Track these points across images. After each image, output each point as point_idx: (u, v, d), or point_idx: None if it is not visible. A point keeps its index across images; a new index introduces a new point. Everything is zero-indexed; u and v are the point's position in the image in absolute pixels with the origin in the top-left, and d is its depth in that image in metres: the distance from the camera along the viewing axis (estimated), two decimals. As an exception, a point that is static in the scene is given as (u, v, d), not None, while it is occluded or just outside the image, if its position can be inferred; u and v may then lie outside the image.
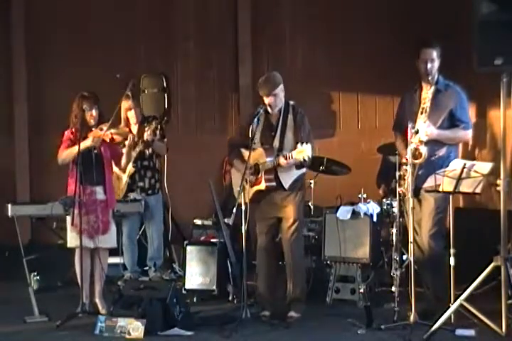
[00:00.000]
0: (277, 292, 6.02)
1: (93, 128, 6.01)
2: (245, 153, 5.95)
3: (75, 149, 5.92)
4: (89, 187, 5.95)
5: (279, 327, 5.65)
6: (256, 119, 5.76)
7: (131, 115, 7.31)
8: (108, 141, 5.99)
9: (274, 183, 5.82)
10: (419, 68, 5.74)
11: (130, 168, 7.15)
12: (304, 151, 5.51)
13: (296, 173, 5.87)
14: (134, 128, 7.29)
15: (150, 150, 7.28)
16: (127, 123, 7.30)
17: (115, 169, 6.92)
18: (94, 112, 6.02)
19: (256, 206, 5.91)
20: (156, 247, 7.32)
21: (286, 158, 5.64)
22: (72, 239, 6.00)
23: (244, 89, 8.47)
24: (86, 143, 5.90)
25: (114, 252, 6.77)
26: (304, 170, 5.94)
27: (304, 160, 5.58)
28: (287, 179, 5.84)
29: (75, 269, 6.07)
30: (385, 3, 8.20)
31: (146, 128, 7.00)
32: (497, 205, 5.78)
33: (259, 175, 5.83)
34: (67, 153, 5.99)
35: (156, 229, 7.35)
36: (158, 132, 7.03)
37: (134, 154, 7.05)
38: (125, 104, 7.20)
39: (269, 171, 5.80)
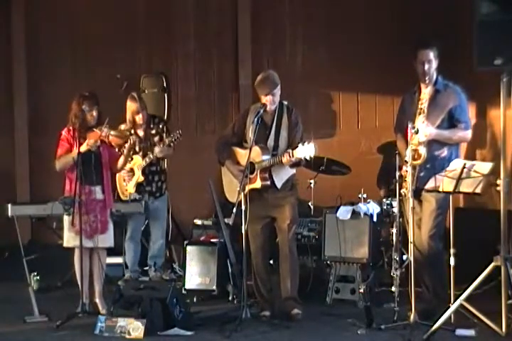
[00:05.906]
0: (275, 292, 6.01)
1: (94, 129, 6.00)
2: (238, 151, 5.97)
3: (70, 156, 5.92)
4: (87, 186, 5.95)
5: (279, 327, 5.64)
6: (256, 119, 5.75)
7: (139, 118, 7.13)
8: (107, 141, 5.99)
9: (268, 182, 5.83)
10: (417, 69, 5.73)
11: (138, 176, 7.10)
12: (303, 151, 5.50)
13: (288, 173, 5.88)
14: (141, 131, 7.19)
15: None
16: (133, 125, 7.15)
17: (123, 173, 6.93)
18: (94, 112, 6.02)
19: (247, 207, 5.82)
20: (158, 246, 7.29)
21: (290, 156, 5.61)
22: (69, 239, 6.01)
23: (244, 89, 8.46)
24: (82, 148, 5.87)
25: (115, 252, 6.79)
26: (294, 170, 5.93)
27: (306, 159, 5.59)
28: (280, 178, 5.85)
29: (75, 269, 6.07)
30: (385, 3, 8.19)
31: (157, 147, 6.91)
32: (497, 205, 5.77)
33: (254, 174, 5.83)
34: (64, 162, 5.98)
35: (160, 228, 7.33)
36: (164, 135, 7.01)
37: (143, 163, 7.03)
38: (132, 105, 7.10)
39: (264, 170, 5.81)
